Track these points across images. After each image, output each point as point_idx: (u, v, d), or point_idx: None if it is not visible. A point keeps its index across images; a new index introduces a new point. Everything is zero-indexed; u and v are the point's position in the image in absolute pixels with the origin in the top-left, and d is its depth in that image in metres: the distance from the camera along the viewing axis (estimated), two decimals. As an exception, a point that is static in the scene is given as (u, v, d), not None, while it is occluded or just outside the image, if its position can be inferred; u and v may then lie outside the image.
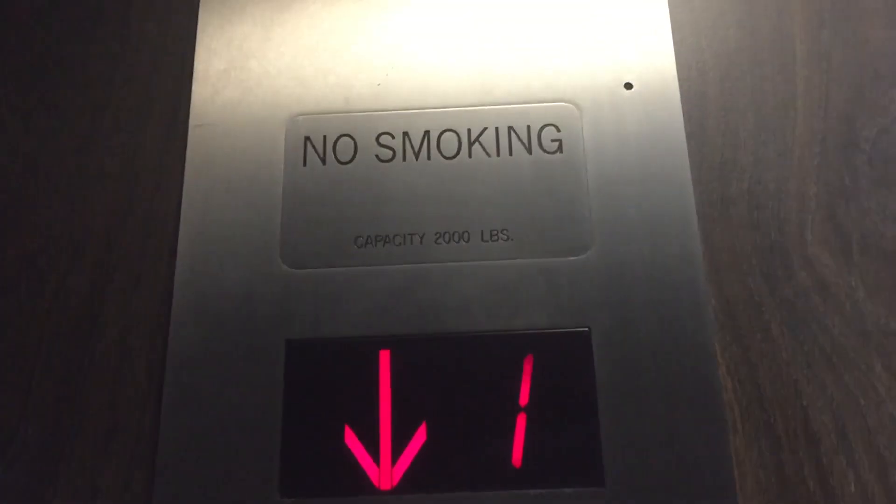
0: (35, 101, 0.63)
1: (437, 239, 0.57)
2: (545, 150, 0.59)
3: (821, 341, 0.54)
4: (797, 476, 0.51)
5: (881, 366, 0.53)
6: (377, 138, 0.60)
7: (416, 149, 0.59)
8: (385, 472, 0.52)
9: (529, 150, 0.59)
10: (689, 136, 0.59)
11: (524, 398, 0.53)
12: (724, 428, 0.52)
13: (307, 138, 0.60)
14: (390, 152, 0.59)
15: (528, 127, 0.59)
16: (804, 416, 0.53)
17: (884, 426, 0.52)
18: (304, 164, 0.59)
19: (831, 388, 0.53)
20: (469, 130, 0.60)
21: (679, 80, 0.60)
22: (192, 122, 0.60)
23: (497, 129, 0.60)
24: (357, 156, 0.59)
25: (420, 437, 0.52)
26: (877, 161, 0.58)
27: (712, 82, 0.61)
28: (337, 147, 0.59)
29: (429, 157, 0.59)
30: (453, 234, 0.57)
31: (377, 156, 0.59)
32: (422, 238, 0.57)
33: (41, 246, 0.58)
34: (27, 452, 0.54)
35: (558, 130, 0.59)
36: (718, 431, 0.51)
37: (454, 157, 0.59)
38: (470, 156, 0.59)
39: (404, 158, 0.59)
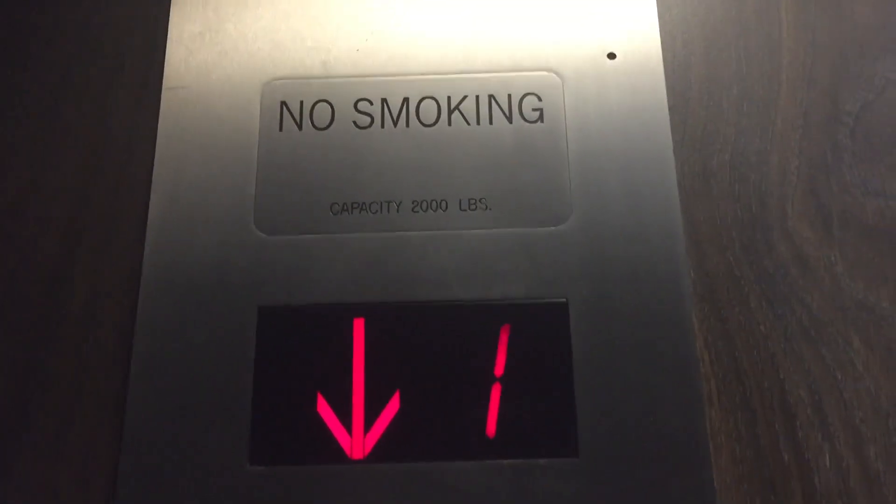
0: (4, 59, 0.61)
1: (415, 207, 0.56)
2: (526, 120, 0.58)
3: (799, 315, 0.54)
4: (772, 449, 0.51)
5: (859, 340, 0.53)
6: (355, 104, 0.59)
7: (395, 116, 0.58)
8: (357, 441, 0.51)
9: (510, 119, 0.58)
10: (672, 107, 0.58)
11: (500, 369, 0.52)
12: (700, 400, 0.51)
13: (283, 103, 0.59)
14: (368, 119, 0.58)
15: (509, 95, 0.58)
16: (781, 389, 0.52)
17: (861, 401, 0.52)
18: (280, 129, 0.58)
19: (809, 362, 0.53)
20: (449, 98, 0.59)
21: (663, 50, 0.59)
22: (165, 84, 0.59)
23: (477, 97, 0.59)
24: (334, 122, 0.58)
25: (393, 406, 0.52)
26: (859, 135, 0.58)
27: (697, 53, 0.60)
28: (314, 113, 0.58)
29: (407, 125, 0.58)
30: (431, 203, 0.56)
31: (355, 122, 0.58)
32: (399, 206, 0.56)
33: (7, 206, 0.57)
34: (-8, 418, 0.53)
35: (539, 100, 0.58)
36: (694, 404, 0.51)
37: (433, 124, 0.58)
38: (449, 124, 0.58)
39: (382, 125, 0.58)
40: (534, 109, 0.58)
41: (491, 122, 0.58)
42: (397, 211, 0.56)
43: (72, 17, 0.62)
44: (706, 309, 0.54)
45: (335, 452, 0.51)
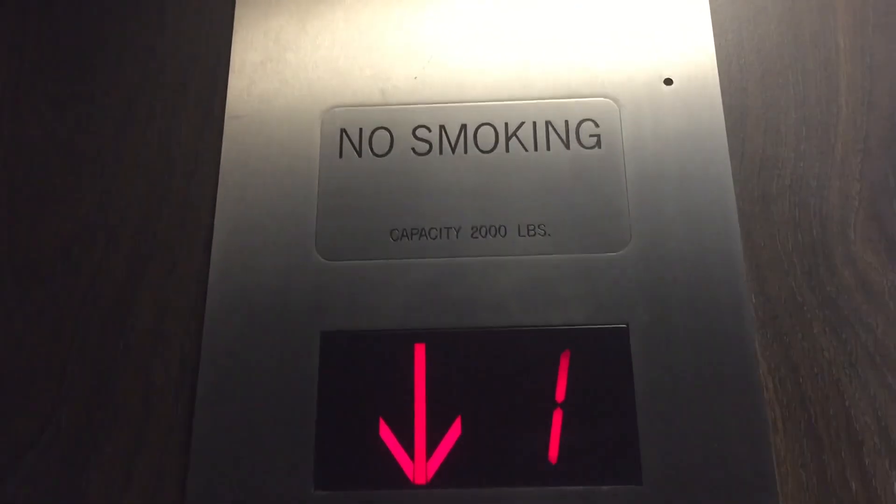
0: (71, 89, 0.63)
1: (474, 233, 0.56)
2: (583, 146, 0.58)
3: (863, 340, 0.53)
4: (839, 477, 0.50)
5: (926, 367, 0.52)
6: (414, 131, 0.59)
7: (453, 142, 0.59)
8: (420, 467, 0.51)
9: (567, 145, 0.58)
10: (730, 131, 0.58)
11: (561, 394, 0.52)
12: (765, 427, 0.51)
13: (343, 130, 0.60)
14: (427, 145, 0.59)
15: (567, 122, 0.59)
16: (846, 416, 0.52)
17: (928, 428, 0.51)
18: (340, 156, 0.59)
19: (874, 388, 0.52)
20: (506, 124, 0.59)
21: (720, 75, 0.59)
22: (228, 113, 0.60)
23: (535, 123, 0.59)
24: (393, 148, 0.59)
25: (455, 431, 0.52)
26: (921, 159, 0.57)
27: (753, 78, 0.60)
28: (373, 140, 0.59)
29: (465, 151, 0.59)
30: (490, 229, 0.56)
31: (413, 149, 0.59)
32: (458, 232, 0.56)
33: (76, 233, 0.59)
34: (61, 439, 0.54)
35: (597, 126, 0.59)
36: (759, 430, 0.51)
37: (491, 150, 0.59)
38: (507, 150, 0.58)
39: (441, 152, 0.59)
40: (591, 135, 0.58)
41: (548, 149, 0.58)
42: (457, 237, 0.56)
43: (135, 49, 0.64)
44: (769, 335, 0.54)
45: (398, 478, 0.51)
